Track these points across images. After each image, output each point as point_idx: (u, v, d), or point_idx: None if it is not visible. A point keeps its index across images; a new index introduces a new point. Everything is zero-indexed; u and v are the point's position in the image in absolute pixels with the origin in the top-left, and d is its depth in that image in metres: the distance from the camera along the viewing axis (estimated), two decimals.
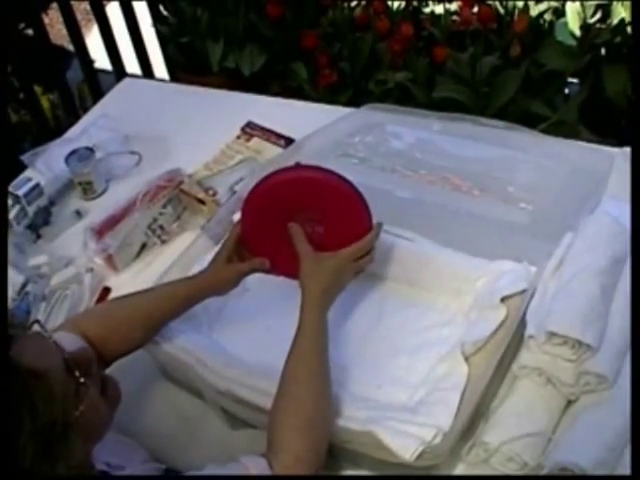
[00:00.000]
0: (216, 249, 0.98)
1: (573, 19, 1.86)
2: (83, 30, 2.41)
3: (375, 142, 1.22)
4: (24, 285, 1.13)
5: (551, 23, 1.94)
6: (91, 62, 2.36)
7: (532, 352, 0.84)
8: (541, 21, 1.95)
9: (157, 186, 1.21)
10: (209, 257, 0.98)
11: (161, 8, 2.40)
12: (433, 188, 1.11)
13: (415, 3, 2.08)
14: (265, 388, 0.83)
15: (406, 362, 0.92)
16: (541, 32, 1.94)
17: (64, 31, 2.32)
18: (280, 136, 1.33)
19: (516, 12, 1.90)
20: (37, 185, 1.28)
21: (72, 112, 2.29)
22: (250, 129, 1.36)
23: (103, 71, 2.43)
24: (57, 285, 1.14)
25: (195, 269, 1.01)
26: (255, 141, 1.33)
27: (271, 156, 1.26)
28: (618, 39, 1.81)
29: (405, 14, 2.06)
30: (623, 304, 0.84)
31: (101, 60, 2.40)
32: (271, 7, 2.10)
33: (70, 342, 0.74)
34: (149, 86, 1.79)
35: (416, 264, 1.00)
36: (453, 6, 1.97)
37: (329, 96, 2.05)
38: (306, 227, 0.90)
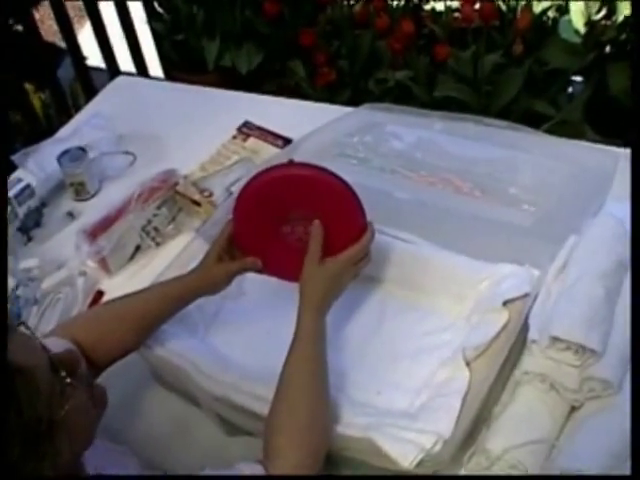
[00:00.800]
0: None
1: (577, 16, 1.87)
2: (75, 26, 2.41)
3: (375, 142, 1.22)
4: (15, 288, 1.13)
5: (555, 20, 1.94)
6: (83, 59, 2.36)
7: (535, 357, 0.84)
8: (544, 18, 1.95)
9: (151, 187, 1.21)
10: None
11: (156, 5, 2.40)
12: (434, 189, 1.11)
13: (416, 0, 2.08)
14: (262, 394, 0.83)
15: (406, 367, 0.92)
16: (544, 29, 1.94)
17: (55, 27, 2.32)
18: (277, 136, 1.33)
19: (519, 9, 1.90)
20: (28, 186, 1.28)
21: (64, 111, 2.29)
22: (247, 129, 1.36)
23: (96, 69, 2.42)
24: (49, 288, 1.14)
25: None
26: (252, 141, 1.34)
27: (268, 156, 1.26)
28: (623, 36, 1.81)
29: (405, 11, 2.07)
30: (627, 308, 0.85)
31: (94, 57, 2.40)
32: (268, 4, 2.10)
33: (58, 345, 0.75)
34: (143, 84, 1.79)
35: (416, 267, 1.00)
36: (454, 3, 1.97)
37: (327, 95, 2.06)
38: (299, 226, 0.90)
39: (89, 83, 2.37)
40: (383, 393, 0.89)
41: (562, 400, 0.82)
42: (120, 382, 0.91)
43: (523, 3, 1.91)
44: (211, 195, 1.21)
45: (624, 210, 0.93)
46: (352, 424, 0.82)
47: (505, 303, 0.90)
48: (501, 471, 0.79)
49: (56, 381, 0.60)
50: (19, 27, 2.19)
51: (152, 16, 2.40)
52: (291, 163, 0.93)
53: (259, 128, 1.36)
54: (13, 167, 1.39)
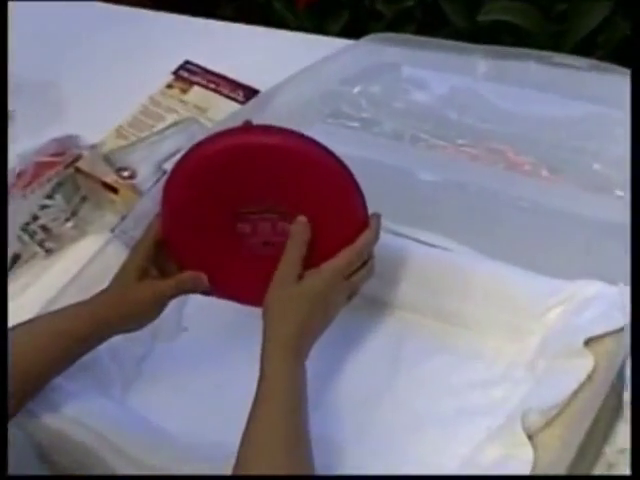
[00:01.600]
0: None
1: None
2: None
3: (386, 94, 1.23)
4: None
5: None
6: None
7: None
8: None
9: (39, 162, 1.22)
10: None
11: None
12: (477, 167, 1.12)
13: None
14: None
15: (435, 440, 0.92)
16: None
17: None
18: (236, 84, 1.34)
19: None
20: None
21: None
22: (188, 73, 1.38)
23: None
24: None
25: None
26: (196, 91, 1.35)
27: (222, 115, 1.27)
28: None
29: None
30: None
31: None
32: None
33: None
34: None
35: (449, 286, 1.00)
36: None
37: (313, 21, 2.06)
38: (264, 223, 0.90)
39: None
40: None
41: None
42: None
43: None
44: (133, 176, 1.22)
45: None
46: None
47: (588, 342, 0.89)
48: None
49: None
50: None
51: None
52: (251, 126, 0.92)
53: (207, 72, 1.37)
54: None
